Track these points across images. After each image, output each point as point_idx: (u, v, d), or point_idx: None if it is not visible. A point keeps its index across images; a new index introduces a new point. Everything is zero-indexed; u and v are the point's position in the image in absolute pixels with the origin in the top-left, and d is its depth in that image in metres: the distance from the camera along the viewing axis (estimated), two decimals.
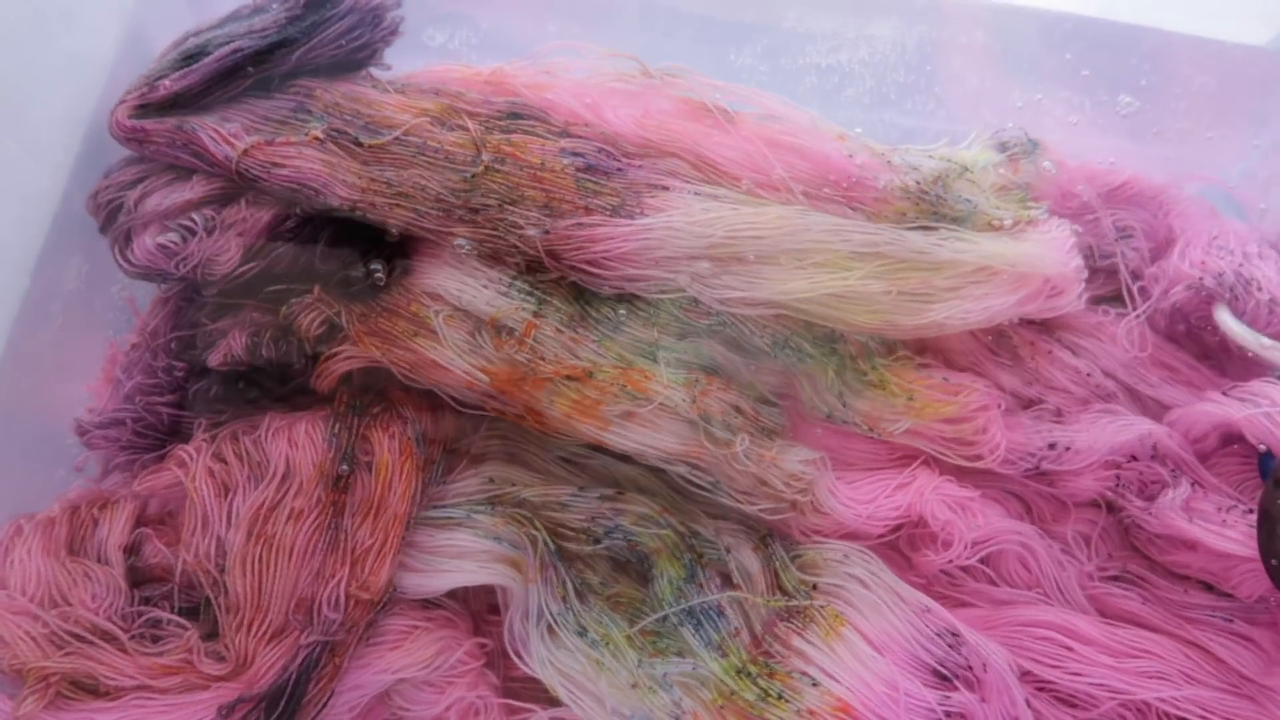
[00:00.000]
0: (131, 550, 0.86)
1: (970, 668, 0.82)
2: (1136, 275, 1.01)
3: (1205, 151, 1.16)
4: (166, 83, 0.93)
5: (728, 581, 0.87)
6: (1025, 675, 0.84)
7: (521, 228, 0.88)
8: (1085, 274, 0.93)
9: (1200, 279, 0.93)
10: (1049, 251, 0.92)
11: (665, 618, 0.85)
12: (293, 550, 0.82)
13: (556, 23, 1.20)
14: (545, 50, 1.02)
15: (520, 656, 0.87)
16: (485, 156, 0.91)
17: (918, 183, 0.94)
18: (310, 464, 0.85)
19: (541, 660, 0.85)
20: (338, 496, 0.84)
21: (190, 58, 0.94)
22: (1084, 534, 0.93)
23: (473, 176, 0.90)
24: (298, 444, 0.86)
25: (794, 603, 0.86)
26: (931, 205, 0.94)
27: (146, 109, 0.93)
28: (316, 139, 0.91)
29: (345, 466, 0.86)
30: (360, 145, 0.91)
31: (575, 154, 0.91)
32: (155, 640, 0.83)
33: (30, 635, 0.82)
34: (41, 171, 0.99)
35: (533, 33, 1.18)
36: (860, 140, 0.96)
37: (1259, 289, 0.92)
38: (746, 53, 1.22)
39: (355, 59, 0.99)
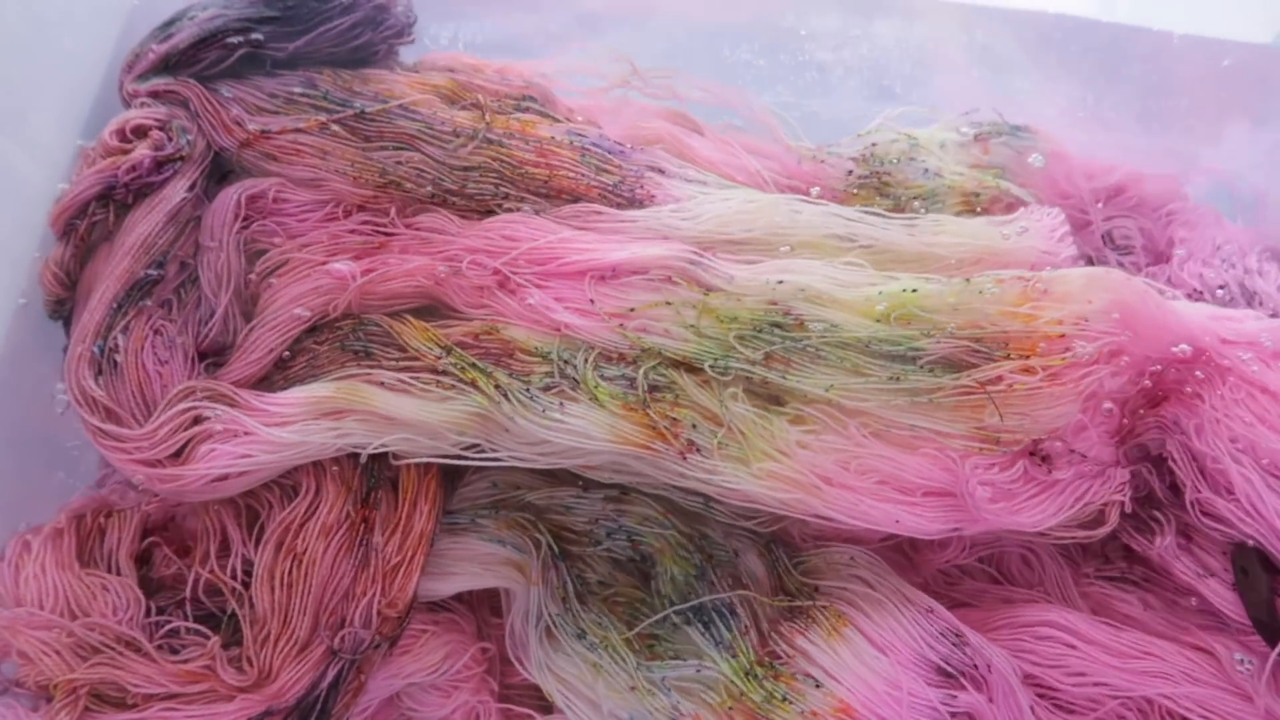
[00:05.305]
0: (142, 560, 0.86)
1: (976, 667, 0.82)
2: None
3: (1206, 152, 1.16)
4: (154, 46, 0.93)
5: (737, 583, 0.88)
6: (1025, 677, 0.83)
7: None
8: (1080, 262, 0.94)
9: (1199, 291, 0.94)
10: (1034, 238, 0.92)
11: (666, 619, 0.85)
12: (320, 565, 0.82)
13: (557, 22, 1.20)
14: (549, 57, 1.05)
15: (520, 662, 0.87)
16: (493, 134, 0.93)
17: (871, 172, 1.00)
18: (338, 480, 0.85)
19: (540, 664, 0.86)
20: (368, 513, 0.85)
21: (171, 23, 0.95)
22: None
23: (475, 135, 0.92)
24: (325, 465, 0.86)
25: (797, 603, 0.86)
26: (893, 186, 0.99)
27: (144, 79, 0.94)
28: (319, 124, 0.92)
29: (371, 481, 0.86)
30: (364, 116, 0.92)
31: (579, 134, 0.96)
32: (175, 650, 0.83)
33: (54, 649, 0.81)
34: (40, 172, 0.99)
35: (534, 31, 1.18)
36: (804, 147, 1.02)
37: (1260, 304, 0.93)
38: (744, 49, 1.22)
39: (359, 58, 0.99)
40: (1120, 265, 1.01)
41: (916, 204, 0.99)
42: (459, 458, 0.85)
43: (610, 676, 0.83)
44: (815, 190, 0.98)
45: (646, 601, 0.87)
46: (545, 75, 1.04)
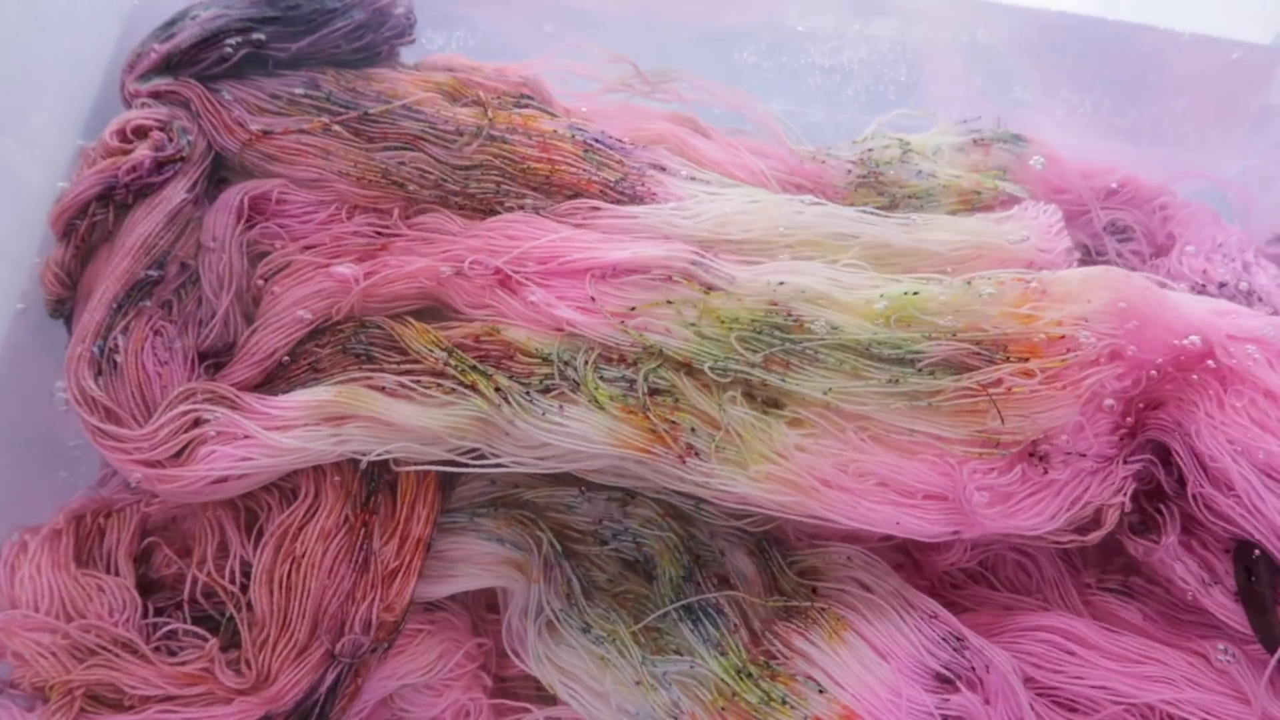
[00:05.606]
0: (141, 560, 0.86)
1: (973, 669, 0.82)
2: None
3: (1204, 152, 1.16)
4: (156, 45, 0.93)
5: (725, 583, 0.87)
6: (1027, 680, 0.83)
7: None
8: (1076, 256, 0.94)
9: (1202, 285, 0.93)
10: (1030, 232, 0.92)
11: (667, 615, 0.85)
12: (319, 569, 0.82)
13: (553, 24, 1.20)
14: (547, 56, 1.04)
15: (518, 654, 0.87)
16: (496, 130, 0.93)
17: (869, 173, 1.00)
18: (337, 484, 0.85)
19: (539, 657, 0.85)
20: (367, 517, 0.85)
21: (173, 23, 0.95)
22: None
23: (479, 133, 0.91)
24: (325, 468, 0.86)
25: (792, 603, 0.85)
26: (888, 185, 0.99)
27: (145, 79, 0.94)
28: (323, 125, 0.92)
29: (371, 485, 0.86)
30: (368, 116, 0.92)
31: (581, 129, 0.96)
32: (173, 652, 0.83)
33: (50, 651, 0.81)
34: (40, 172, 0.99)
35: (530, 35, 1.18)
36: (806, 150, 1.03)
37: (1259, 300, 0.93)
38: (748, 51, 1.22)
39: (361, 58, 0.99)
40: (1119, 254, 1.02)
41: (912, 202, 0.99)
42: (459, 464, 0.85)
43: (618, 670, 0.83)
44: (808, 199, 0.98)
45: (652, 599, 0.87)
46: (542, 76, 1.04)
